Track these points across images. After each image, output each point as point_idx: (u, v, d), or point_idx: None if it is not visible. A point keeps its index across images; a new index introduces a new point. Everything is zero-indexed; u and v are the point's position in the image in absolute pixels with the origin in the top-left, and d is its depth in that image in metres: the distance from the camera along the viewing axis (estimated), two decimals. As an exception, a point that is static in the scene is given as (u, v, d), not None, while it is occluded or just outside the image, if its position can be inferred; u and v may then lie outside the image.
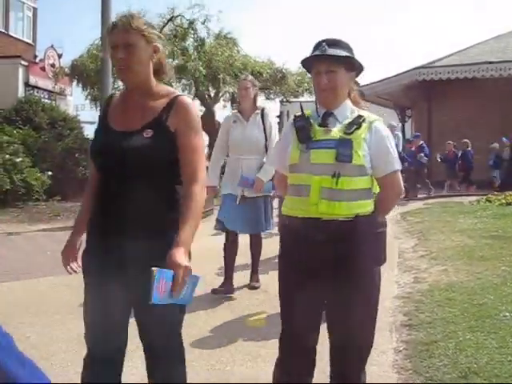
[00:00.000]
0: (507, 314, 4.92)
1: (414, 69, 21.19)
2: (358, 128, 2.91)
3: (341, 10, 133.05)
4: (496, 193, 14.68)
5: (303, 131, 3.00)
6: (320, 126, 2.98)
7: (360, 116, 2.98)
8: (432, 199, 16.09)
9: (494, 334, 4.47)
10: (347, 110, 3.03)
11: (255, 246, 6.52)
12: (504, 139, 18.55)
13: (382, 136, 2.97)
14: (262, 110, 6.28)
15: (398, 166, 3.00)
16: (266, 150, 6.15)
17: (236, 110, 6.61)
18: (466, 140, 18.95)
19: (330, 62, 2.93)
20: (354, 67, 3.05)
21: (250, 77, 6.54)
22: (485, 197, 14.18)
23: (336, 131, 2.93)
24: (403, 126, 26.69)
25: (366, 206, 2.93)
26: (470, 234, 9.15)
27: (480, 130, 18.79)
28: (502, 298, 5.39)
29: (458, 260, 7.24)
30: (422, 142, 18.28)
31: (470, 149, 18.87)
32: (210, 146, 24.13)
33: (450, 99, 20.28)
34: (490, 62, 19.76)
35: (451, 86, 20.21)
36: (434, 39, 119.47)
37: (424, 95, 21.55)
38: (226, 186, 6.31)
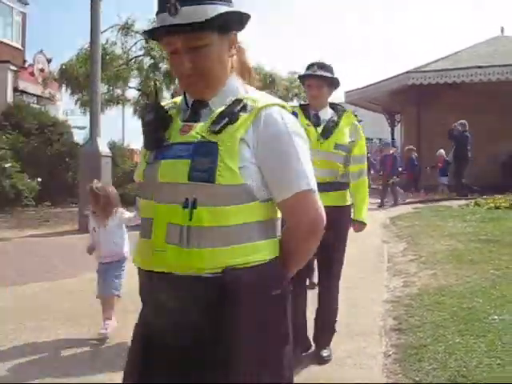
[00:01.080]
0: (496, 317, 4.93)
1: (403, 73, 21.26)
2: (231, 122, 1.81)
3: (332, 10, 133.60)
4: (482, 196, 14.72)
5: (151, 130, 1.96)
6: (186, 121, 1.92)
7: (238, 101, 1.87)
8: (421, 203, 16.13)
9: (483, 338, 4.48)
10: (228, 95, 1.91)
11: None
12: (442, 151, 18.80)
13: (277, 133, 1.84)
14: None
15: (305, 183, 1.85)
16: None
17: None
18: (410, 147, 19.40)
19: (190, 34, 1.81)
20: (232, 23, 1.90)
21: None
22: (473, 200, 14.24)
23: (198, 129, 1.85)
24: (393, 130, 26.78)
25: (254, 252, 1.81)
26: (459, 237, 9.18)
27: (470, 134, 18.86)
28: (491, 301, 5.41)
29: (448, 264, 7.26)
30: (392, 151, 18.20)
31: (414, 155, 19.26)
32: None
33: (439, 104, 20.35)
34: (479, 67, 19.85)
35: (440, 91, 20.30)
36: (433, 39, 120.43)
37: (413, 100, 21.61)
38: None
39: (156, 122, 1.94)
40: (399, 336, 4.80)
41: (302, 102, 4.64)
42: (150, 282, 1.90)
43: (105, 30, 18.59)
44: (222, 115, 1.84)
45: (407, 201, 17.32)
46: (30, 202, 16.37)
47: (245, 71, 2.03)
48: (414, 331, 4.82)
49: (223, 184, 1.75)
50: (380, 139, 32.12)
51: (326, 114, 4.39)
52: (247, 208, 1.81)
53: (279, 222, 1.97)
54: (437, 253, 8.09)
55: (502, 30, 25.11)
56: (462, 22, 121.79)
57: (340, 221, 4.28)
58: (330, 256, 4.38)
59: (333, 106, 4.50)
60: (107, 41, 20.52)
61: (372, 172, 18.37)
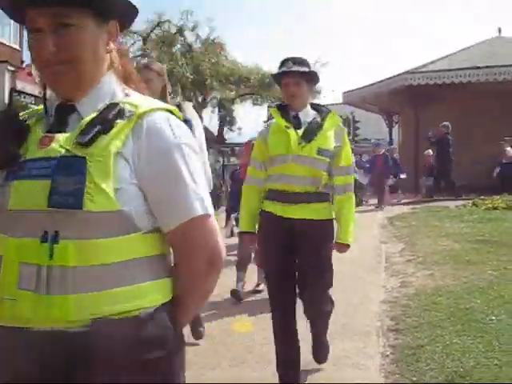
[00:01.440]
0: (493, 317, 4.93)
1: (401, 74, 21.27)
2: (104, 131, 1.45)
3: (330, 11, 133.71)
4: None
5: (1, 143, 1.53)
6: (48, 131, 1.52)
7: (114, 105, 1.51)
8: (418, 204, 16.14)
9: (480, 338, 4.48)
10: (103, 98, 1.55)
11: None
12: (429, 151, 19.04)
13: (164, 145, 1.49)
14: (179, 106, 4.03)
15: (201, 207, 1.50)
16: None
17: None
18: (393, 146, 19.55)
19: (59, 8, 1.45)
20: (111, 9, 1.54)
21: (157, 65, 4.59)
22: (471, 201, 14.25)
23: (62, 141, 1.46)
24: (391, 131, 26.78)
25: (139, 297, 1.44)
26: (457, 238, 9.18)
27: (468, 134, 18.87)
28: (489, 301, 5.40)
29: (445, 264, 7.26)
30: (383, 150, 18.16)
31: (396, 155, 19.36)
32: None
33: (437, 104, 20.34)
34: (477, 67, 19.87)
35: (438, 91, 20.29)
36: (430, 39, 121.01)
37: (411, 100, 21.60)
38: None
39: (7, 134, 1.52)
40: (397, 336, 4.80)
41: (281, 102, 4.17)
42: (4, 338, 1.44)
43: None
44: (92, 123, 1.46)
45: (403, 201, 17.35)
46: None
47: (129, 79, 1.65)
48: (411, 331, 4.81)
49: (94, 211, 1.37)
50: (378, 140, 32.17)
51: (308, 114, 3.84)
52: (126, 241, 1.43)
53: (171, 257, 1.60)
54: (434, 253, 8.09)
55: (500, 30, 25.12)
56: (459, 22, 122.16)
57: (324, 238, 3.86)
58: (318, 275, 3.85)
59: (315, 106, 3.95)
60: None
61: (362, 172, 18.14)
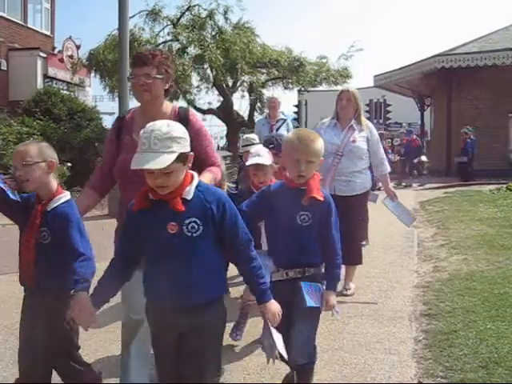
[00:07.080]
0: (528, 303, 4.87)
1: (433, 56, 20.99)
2: None
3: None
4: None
5: None
6: None
7: None
8: (451, 188, 15.96)
9: (515, 324, 4.43)
10: None
11: None
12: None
13: None
14: None
15: None
16: None
17: None
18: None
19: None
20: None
21: None
22: (505, 185, 14.06)
23: None
24: (422, 114, 26.46)
25: None
26: (490, 222, 9.07)
27: (501, 117, 18.59)
28: (523, 287, 5.34)
29: (478, 249, 7.18)
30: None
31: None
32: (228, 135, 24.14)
33: (469, 87, 20.07)
34: (511, 49, 19.51)
35: (471, 74, 20.00)
36: (464, 21, 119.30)
37: (443, 83, 21.34)
38: None
39: None
40: (429, 321, 4.76)
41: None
42: None
43: (133, 16, 18.63)
44: None
45: (437, 185, 17.20)
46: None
47: None
48: (444, 317, 4.78)
49: None
50: (409, 124, 31.75)
51: None
52: None
53: None
54: (467, 238, 8.01)
55: (536, 10, 24.66)
56: (493, 3, 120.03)
57: None
58: None
59: None
60: (135, 26, 20.53)
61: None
